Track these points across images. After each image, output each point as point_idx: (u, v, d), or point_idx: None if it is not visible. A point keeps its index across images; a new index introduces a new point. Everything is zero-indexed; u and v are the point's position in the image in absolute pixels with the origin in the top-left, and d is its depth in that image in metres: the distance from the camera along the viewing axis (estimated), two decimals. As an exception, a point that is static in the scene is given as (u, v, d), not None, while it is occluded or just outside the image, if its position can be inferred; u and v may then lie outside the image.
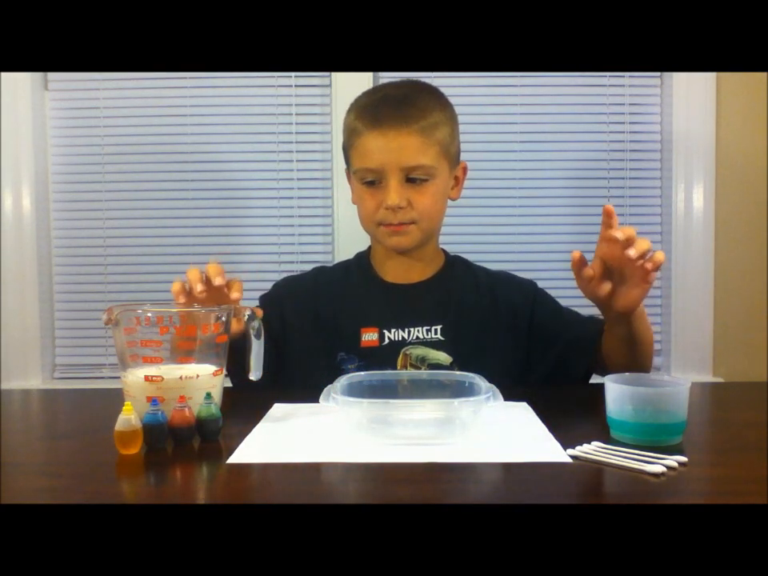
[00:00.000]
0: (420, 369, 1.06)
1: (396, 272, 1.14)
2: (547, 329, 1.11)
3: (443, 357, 1.07)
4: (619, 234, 0.84)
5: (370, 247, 1.20)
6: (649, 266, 0.85)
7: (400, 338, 1.08)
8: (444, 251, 1.21)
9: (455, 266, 1.19)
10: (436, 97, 1.10)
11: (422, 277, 1.15)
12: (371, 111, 1.06)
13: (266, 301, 1.16)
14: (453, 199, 1.14)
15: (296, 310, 1.14)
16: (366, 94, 1.12)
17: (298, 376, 1.10)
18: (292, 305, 1.14)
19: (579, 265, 0.91)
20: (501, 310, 1.13)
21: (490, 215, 1.75)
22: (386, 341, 1.08)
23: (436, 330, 1.08)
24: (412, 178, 1.04)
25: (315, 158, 1.76)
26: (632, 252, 0.83)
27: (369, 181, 1.06)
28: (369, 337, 1.08)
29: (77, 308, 1.78)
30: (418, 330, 1.08)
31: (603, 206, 0.88)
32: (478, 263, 1.23)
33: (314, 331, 1.12)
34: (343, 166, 1.18)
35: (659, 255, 0.85)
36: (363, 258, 1.19)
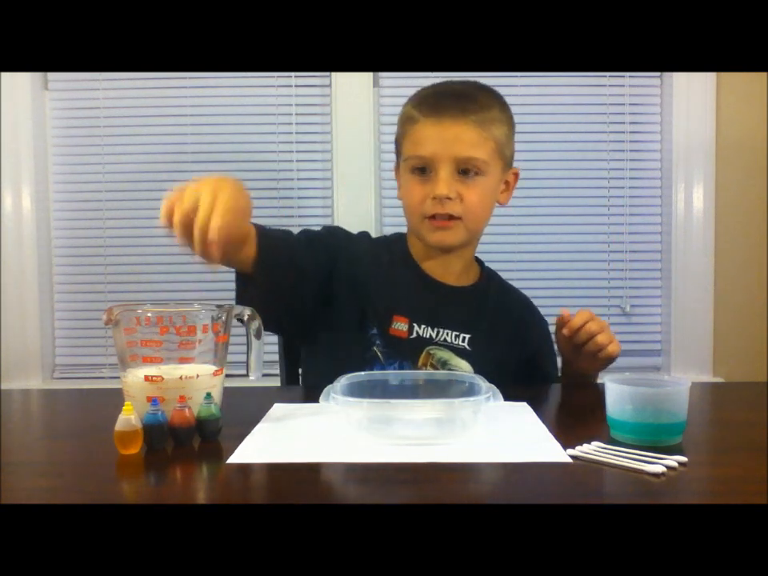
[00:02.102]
0: None
1: (434, 268, 1.12)
2: (536, 363, 1.16)
3: (466, 366, 1.06)
4: (565, 331, 0.97)
5: (406, 234, 1.16)
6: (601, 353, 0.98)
7: (428, 336, 1.07)
8: (479, 261, 1.19)
9: (491, 280, 1.18)
10: (496, 97, 1.09)
11: (458, 280, 1.13)
12: (430, 100, 1.05)
13: (330, 229, 1.12)
14: (501, 204, 1.13)
15: (346, 260, 1.08)
16: (426, 88, 1.11)
17: (326, 335, 1.07)
18: (344, 254, 1.09)
19: (562, 323, 0.99)
20: (522, 334, 1.15)
21: (489, 215, 1.75)
22: (414, 334, 1.07)
23: (464, 338, 1.08)
24: (464, 171, 1.03)
25: (315, 158, 1.76)
26: (591, 346, 0.97)
27: (420, 169, 1.05)
28: (399, 326, 1.06)
29: (77, 308, 1.78)
30: (447, 333, 1.07)
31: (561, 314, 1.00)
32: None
33: (356, 296, 1.07)
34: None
35: (612, 349, 0.97)
36: (403, 243, 1.15)
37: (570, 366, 1.05)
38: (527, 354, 1.14)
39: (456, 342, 1.08)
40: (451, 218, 1.04)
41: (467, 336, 1.08)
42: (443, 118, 1.02)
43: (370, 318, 1.07)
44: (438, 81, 1.12)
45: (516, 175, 1.15)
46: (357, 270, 1.09)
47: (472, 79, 1.12)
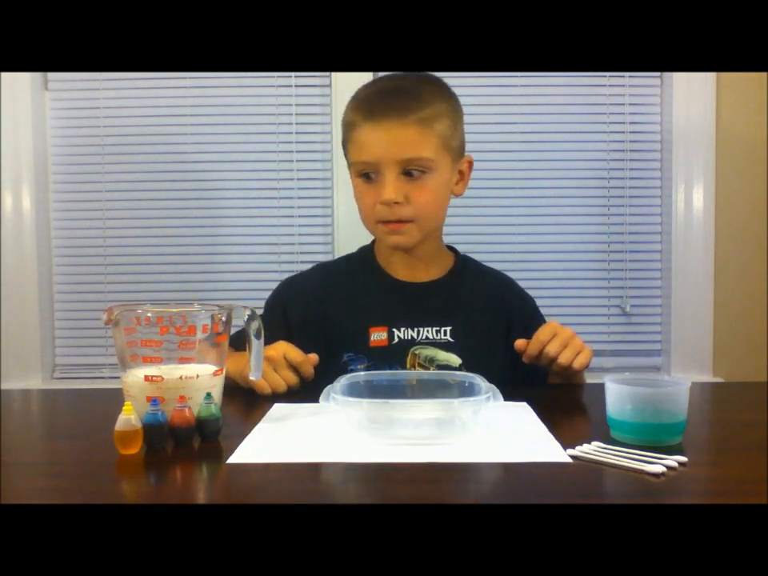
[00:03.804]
0: (428, 369, 1.05)
1: (402, 269, 1.13)
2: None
3: (453, 358, 1.06)
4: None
5: (374, 241, 1.18)
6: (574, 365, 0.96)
7: (409, 337, 1.07)
8: (454, 250, 1.19)
9: (467, 267, 1.17)
10: (438, 88, 1.06)
11: (427, 275, 1.13)
12: (366, 103, 1.03)
13: (269, 307, 1.14)
14: (457, 195, 1.11)
15: (301, 312, 1.11)
16: (364, 87, 1.09)
17: (303, 380, 1.10)
18: (296, 308, 1.12)
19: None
20: (505, 314, 1.13)
21: (488, 215, 1.75)
22: (396, 339, 1.07)
23: (445, 331, 1.07)
24: (409, 172, 1.01)
25: (315, 158, 1.76)
26: (555, 367, 0.98)
27: (366, 174, 1.04)
28: (378, 336, 1.07)
29: (77, 308, 1.78)
30: (428, 330, 1.07)
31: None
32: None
33: (320, 333, 1.09)
34: (344, 164, 1.17)
35: (579, 363, 0.96)
36: (368, 253, 1.16)
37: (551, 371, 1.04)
38: (516, 337, 1.11)
39: (438, 337, 1.07)
40: (402, 221, 1.03)
41: (448, 328, 1.08)
42: (382, 120, 1.00)
43: (340, 344, 1.07)
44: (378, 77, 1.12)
45: (470, 163, 1.12)
46: (314, 311, 1.11)
47: (416, 72, 1.08)
